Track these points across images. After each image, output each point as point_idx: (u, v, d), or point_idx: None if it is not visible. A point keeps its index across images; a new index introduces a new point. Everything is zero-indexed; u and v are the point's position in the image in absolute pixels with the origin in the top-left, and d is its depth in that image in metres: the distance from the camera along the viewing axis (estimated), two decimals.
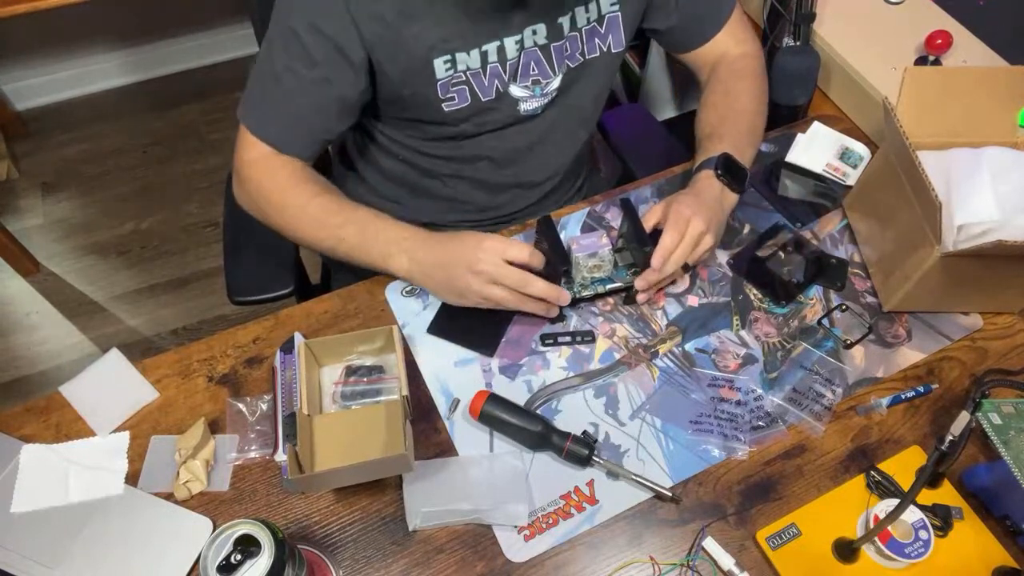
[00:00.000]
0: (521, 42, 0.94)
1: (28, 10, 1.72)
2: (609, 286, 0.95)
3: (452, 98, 0.95)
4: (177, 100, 2.54)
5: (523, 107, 1.00)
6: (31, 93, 2.47)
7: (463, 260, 0.88)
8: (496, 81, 0.96)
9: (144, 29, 2.47)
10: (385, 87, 0.94)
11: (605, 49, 1.01)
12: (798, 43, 1.21)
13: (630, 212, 0.95)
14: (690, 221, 0.91)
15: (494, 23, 0.91)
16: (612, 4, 0.98)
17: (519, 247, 0.88)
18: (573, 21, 0.96)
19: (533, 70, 0.97)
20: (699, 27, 1.09)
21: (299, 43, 0.88)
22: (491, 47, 0.93)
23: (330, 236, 0.94)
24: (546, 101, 1.02)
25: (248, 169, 0.98)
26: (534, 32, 0.94)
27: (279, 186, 0.96)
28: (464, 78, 0.94)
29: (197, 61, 2.62)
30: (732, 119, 1.05)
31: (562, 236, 1.00)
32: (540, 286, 0.88)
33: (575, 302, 0.95)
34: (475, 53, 0.92)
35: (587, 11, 0.96)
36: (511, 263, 0.87)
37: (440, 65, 0.92)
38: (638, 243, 0.93)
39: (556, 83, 1.00)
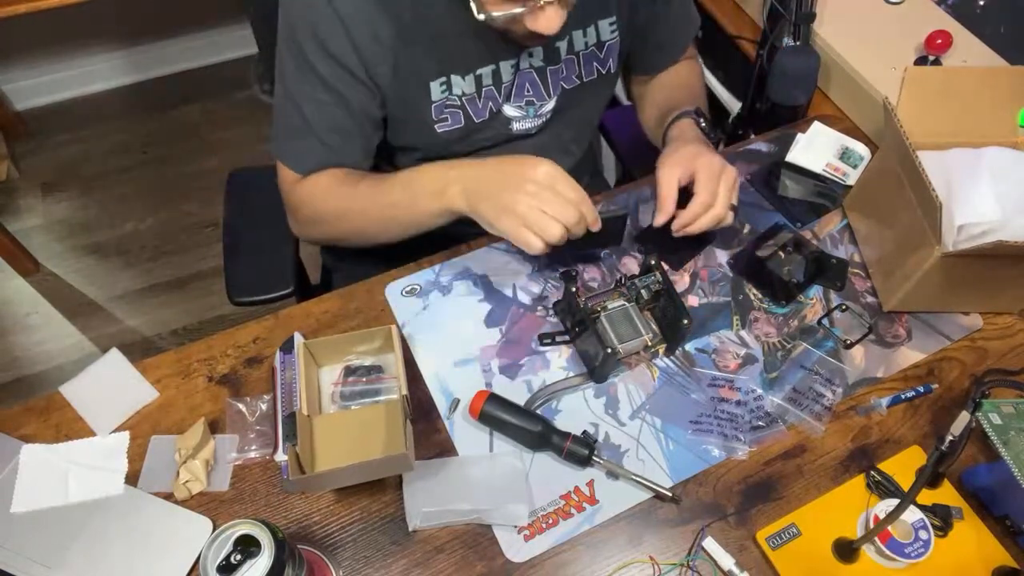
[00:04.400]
0: (517, 65, 0.94)
1: (28, 10, 1.73)
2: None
3: (445, 119, 0.95)
4: (177, 100, 2.54)
5: (515, 126, 1.00)
6: (31, 93, 2.47)
7: (514, 175, 0.82)
8: (490, 103, 0.96)
9: (144, 29, 2.47)
10: (386, 107, 0.95)
11: (604, 72, 1.01)
12: (798, 43, 1.20)
13: (668, 283, 0.92)
14: (723, 172, 0.89)
15: (491, 47, 0.91)
16: (612, 32, 0.98)
17: (573, 184, 0.82)
18: (571, 44, 0.96)
19: (528, 91, 0.97)
20: (663, 53, 1.13)
21: (309, 66, 0.87)
22: (486, 71, 0.93)
23: (384, 210, 0.92)
24: (540, 122, 1.01)
25: (296, 195, 0.98)
26: (530, 55, 0.94)
27: (323, 195, 0.96)
28: (459, 102, 0.94)
29: (197, 61, 2.62)
30: (688, 89, 1.09)
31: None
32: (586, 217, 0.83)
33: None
34: (470, 77, 0.92)
35: (585, 35, 0.96)
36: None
37: (436, 88, 0.92)
38: (676, 313, 0.89)
39: (551, 105, 1.00)
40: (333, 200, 0.96)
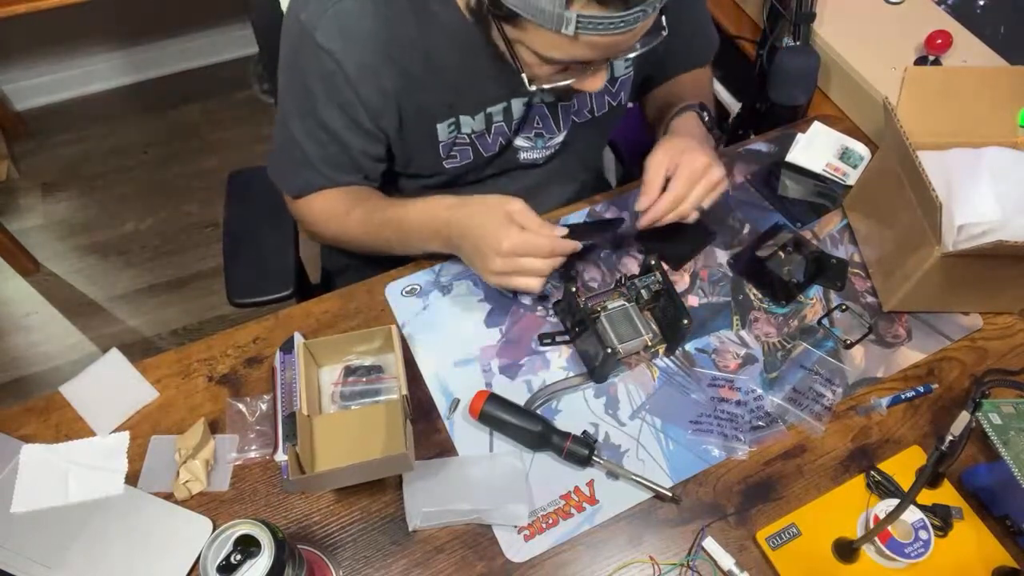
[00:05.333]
0: (529, 102, 0.93)
1: (28, 10, 1.72)
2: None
3: (455, 157, 0.95)
4: (177, 100, 2.54)
5: (523, 156, 1.00)
6: (31, 93, 2.47)
7: (484, 250, 0.83)
8: (500, 138, 0.96)
9: (144, 29, 2.47)
10: (392, 146, 0.95)
11: (615, 104, 1.01)
12: (798, 43, 1.20)
13: (668, 283, 0.92)
14: (706, 172, 0.88)
15: (501, 86, 0.90)
16: (627, 68, 0.97)
17: (540, 243, 0.82)
18: None
19: (538, 124, 0.97)
20: (678, 63, 1.11)
21: (313, 109, 0.88)
22: (497, 108, 0.92)
23: (380, 243, 0.97)
24: (548, 153, 1.01)
25: (297, 212, 1.02)
26: (543, 90, 0.93)
27: (319, 218, 0.99)
28: (468, 140, 0.94)
29: (197, 61, 2.61)
30: (695, 84, 1.08)
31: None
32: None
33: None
34: (480, 116, 0.92)
35: None
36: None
37: (443, 129, 0.92)
38: (676, 313, 0.89)
39: (560, 138, 1.00)
40: (333, 226, 1.00)
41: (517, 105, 0.93)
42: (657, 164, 0.89)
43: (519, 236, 0.81)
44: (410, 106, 0.88)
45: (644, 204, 0.90)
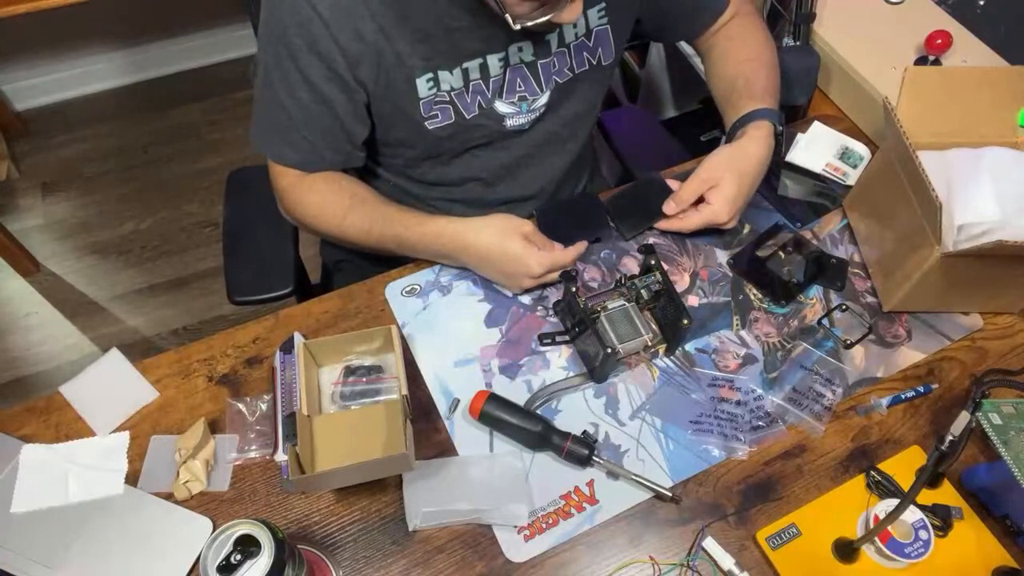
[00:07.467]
0: (506, 59, 0.93)
1: (28, 10, 1.73)
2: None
3: (435, 116, 0.95)
4: (177, 100, 2.54)
5: (509, 123, 1.00)
6: (31, 93, 2.47)
7: (514, 274, 0.93)
8: (479, 98, 0.95)
9: (144, 29, 2.47)
10: (372, 104, 0.94)
11: (595, 63, 1.00)
12: (798, 43, 1.21)
13: (668, 283, 0.92)
14: (725, 224, 0.97)
15: (475, 41, 0.90)
16: (601, 18, 0.97)
17: (564, 260, 0.94)
18: (561, 37, 0.95)
19: (519, 86, 0.97)
20: (695, 18, 1.10)
21: (295, 66, 0.88)
22: (472, 64, 0.92)
23: (382, 251, 1.00)
24: (534, 117, 1.01)
25: (283, 198, 1.02)
26: (520, 49, 0.93)
27: (311, 212, 1.00)
28: (448, 98, 0.94)
29: (197, 61, 2.62)
30: (758, 67, 1.06)
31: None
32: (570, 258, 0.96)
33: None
34: (457, 71, 0.92)
35: (575, 26, 0.96)
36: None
37: (423, 84, 0.92)
38: (676, 313, 0.89)
39: (544, 99, 0.99)
40: (324, 225, 1.01)
41: (493, 62, 0.93)
42: (692, 191, 0.98)
43: (546, 257, 0.91)
44: (388, 54, 0.88)
45: (672, 211, 1.00)
